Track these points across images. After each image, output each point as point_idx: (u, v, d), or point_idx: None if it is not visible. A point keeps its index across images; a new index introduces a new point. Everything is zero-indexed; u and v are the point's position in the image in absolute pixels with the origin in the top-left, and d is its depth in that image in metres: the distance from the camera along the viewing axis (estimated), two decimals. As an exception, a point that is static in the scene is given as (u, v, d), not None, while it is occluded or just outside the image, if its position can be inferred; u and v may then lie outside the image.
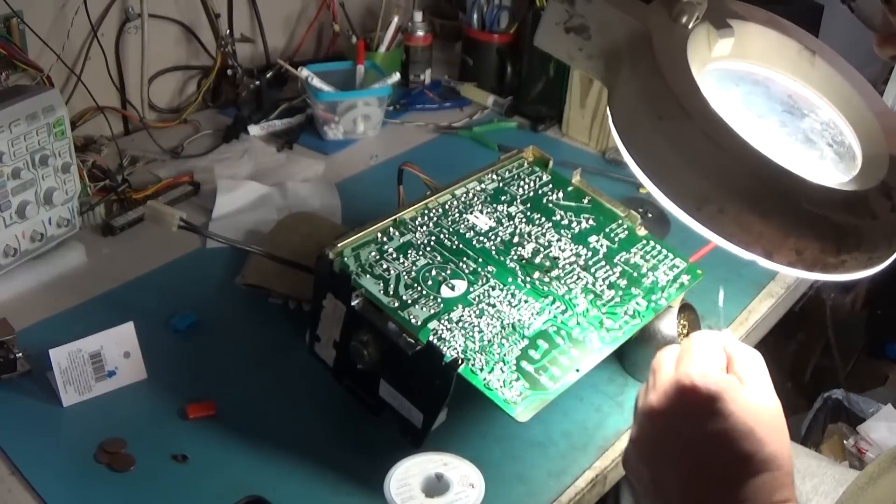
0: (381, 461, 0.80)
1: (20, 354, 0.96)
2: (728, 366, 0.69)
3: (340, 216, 1.30)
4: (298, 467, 0.89)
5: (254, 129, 1.50)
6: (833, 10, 1.60)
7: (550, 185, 1.05)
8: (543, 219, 1.00)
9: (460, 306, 0.87)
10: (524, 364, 0.83)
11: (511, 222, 0.98)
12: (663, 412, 0.67)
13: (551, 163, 1.08)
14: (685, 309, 1.00)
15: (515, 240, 0.96)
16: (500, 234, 0.97)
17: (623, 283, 0.94)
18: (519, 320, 0.87)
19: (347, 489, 0.87)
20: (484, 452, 0.89)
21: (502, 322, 0.86)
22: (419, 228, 0.95)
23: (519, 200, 1.02)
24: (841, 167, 0.73)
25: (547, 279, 0.92)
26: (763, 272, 1.00)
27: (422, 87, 1.70)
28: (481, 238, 0.96)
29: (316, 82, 1.49)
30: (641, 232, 1.00)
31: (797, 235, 0.64)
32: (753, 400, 0.66)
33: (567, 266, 0.94)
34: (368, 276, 0.88)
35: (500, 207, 1.00)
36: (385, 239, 0.93)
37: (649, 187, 0.68)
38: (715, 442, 0.65)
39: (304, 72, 1.49)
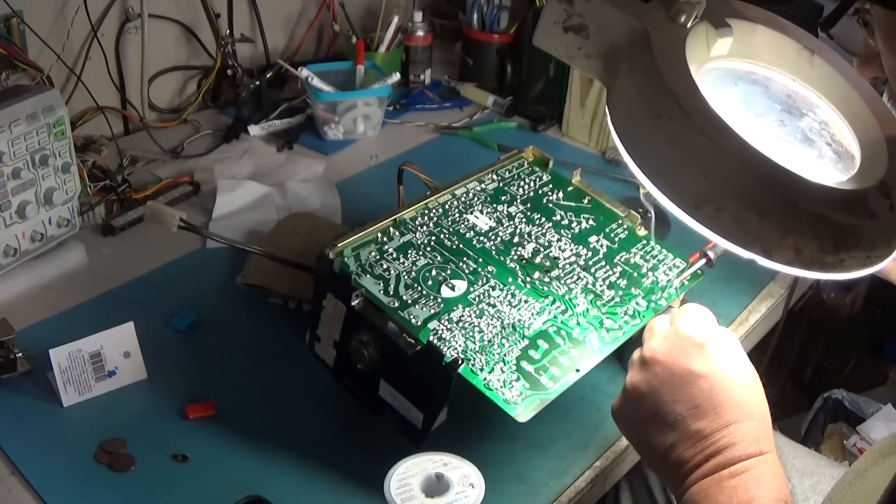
0: (381, 461, 0.80)
1: (20, 354, 0.96)
2: None
3: (340, 216, 1.30)
4: (298, 467, 0.89)
5: (254, 129, 1.50)
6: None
7: (550, 185, 1.05)
8: (543, 219, 1.00)
9: (460, 306, 0.87)
10: (524, 364, 0.83)
11: (511, 222, 0.99)
12: (662, 354, 0.72)
13: (551, 163, 1.08)
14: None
15: (515, 240, 0.96)
16: (501, 234, 0.97)
17: (623, 283, 0.94)
18: (519, 320, 0.87)
19: (347, 489, 0.87)
20: (484, 452, 0.89)
21: (502, 322, 0.86)
22: (419, 228, 0.95)
23: (519, 200, 1.02)
24: (839, 166, 0.74)
25: (547, 279, 0.92)
26: (763, 272, 1.00)
27: (422, 87, 1.70)
28: (481, 238, 0.96)
29: (316, 82, 1.49)
30: (641, 232, 1.00)
31: (795, 234, 0.64)
32: (738, 359, 0.73)
33: (567, 266, 0.94)
34: (368, 276, 0.88)
35: (500, 207, 1.00)
36: (385, 239, 0.93)
37: (648, 186, 0.68)
38: (707, 382, 0.70)
39: (304, 72, 1.49)
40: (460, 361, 0.80)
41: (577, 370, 0.84)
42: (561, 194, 1.04)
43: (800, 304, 1.33)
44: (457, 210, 0.99)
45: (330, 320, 0.89)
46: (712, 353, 0.71)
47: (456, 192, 1.01)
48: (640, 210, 1.03)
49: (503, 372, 0.82)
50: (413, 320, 0.84)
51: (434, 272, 0.90)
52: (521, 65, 1.62)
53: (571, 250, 0.96)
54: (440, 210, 0.98)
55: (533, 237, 0.97)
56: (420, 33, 1.69)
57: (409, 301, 0.86)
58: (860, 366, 1.85)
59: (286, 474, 0.88)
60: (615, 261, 0.96)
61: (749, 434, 0.69)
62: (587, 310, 0.90)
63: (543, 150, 1.10)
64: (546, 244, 0.96)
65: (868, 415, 1.55)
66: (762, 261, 0.66)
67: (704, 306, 0.76)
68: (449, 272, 0.90)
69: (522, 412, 0.79)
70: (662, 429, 0.72)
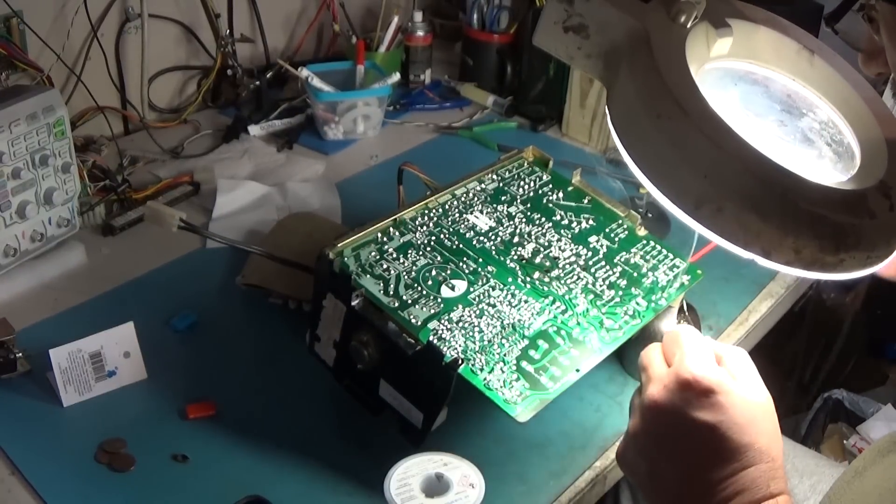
0: (381, 461, 0.80)
1: (20, 354, 0.96)
2: (718, 362, 0.71)
3: (340, 216, 1.30)
4: (298, 467, 0.89)
5: (254, 129, 1.50)
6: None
7: (550, 185, 1.05)
8: (543, 219, 1.00)
9: (460, 306, 0.87)
10: (524, 364, 0.83)
11: (511, 222, 0.99)
12: (663, 405, 0.68)
13: (551, 163, 1.08)
14: (685, 309, 1.00)
15: (515, 240, 0.96)
16: (500, 234, 0.97)
17: (623, 283, 0.94)
18: (519, 320, 0.87)
19: (347, 489, 0.87)
20: (484, 452, 0.89)
21: (502, 322, 0.86)
22: (419, 228, 0.95)
23: (519, 200, 1.02)
24: (839, 166, 0.73)
25: (547, 279, 0.92)
26: (763, 272, 1.00)
27: (422, 87, 1.70)
28: (481, 238, 0.96)
29: (316, 82, 1.49)
30: (641, 232, 1.00)
31: (795, 234, 0.64)
32: (747, 394, 0.68)
33: (567, 266, 0.94)
34: (368, 276, 0.88)
35: (500, 207, 1.00)
36: (385, 239, 0.93)
37: (648, 186, 0.68)
38: (714, 433, 0.67)
39: (304, 72, 1.49)
40: (460, 361, 0.80)
41: (577, 370, 0.84)
42: (561, 194, 1.04)
43: (800, 304, 1.32)
44: (457, 210, 0.99)
45: (330, 320, 0.89)
46: (719, 400, 0.67)
47: (456, 192, 1.01)
48: (641, 210, 1.03)
49: (503, 372, 0.82)
50: (413, 320, 0.84)
51: (434, 272, 0.90)
52: (521, 65, 1.62)
53: (571, 250, 0.96)
54: (440, 210, 0.98)
55: (533, 237, 0.97)
56: (420, 33, 1.69)
57: (409, 301, 0.86)
58: (860, 366, 1.85)
59: (286, 474, 0.88)
60: (615, 261, 0.96)
61: (759, 479, 0.66)
62: (587, 310, 0.90)
63: (543, 150, 1.10)
64: (546, 244, 0.96)
65: (868, 415, 1.55)
66: (762, 261, 0.66)
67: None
68: (449, 272, 0.90)
69: (522, 412, 0.79)
70: (668, 479, 0.69)
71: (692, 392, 0.67)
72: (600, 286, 0.93)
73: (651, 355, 0.73)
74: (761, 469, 0.67)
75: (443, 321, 0.85)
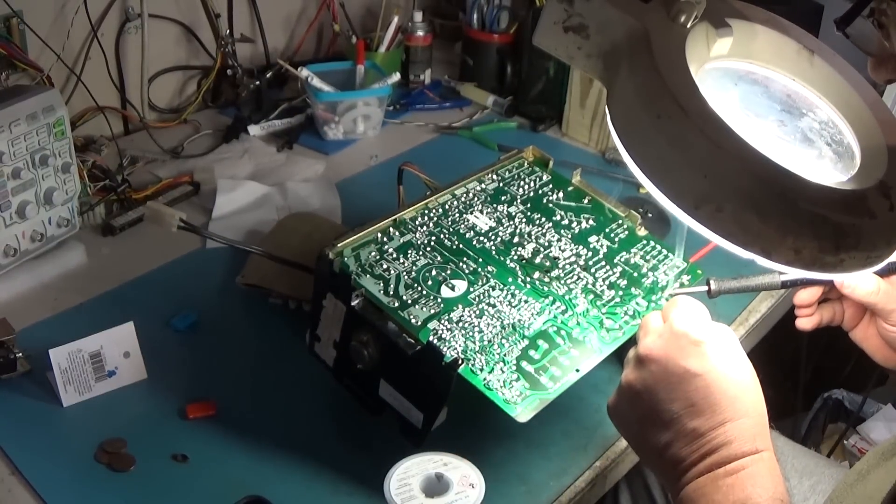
0: (381, 461, 0.80)
1: (20, 354, 0.96)
2: None
3: (340, 216, 1.30)
4: (298, 467, 0.89)
5: (254, 129, 1.50)
6: (833, 10, 1.60)
7: (550, 185, 1.05)
8: (543, 219, 1.00)
9: (460, 306, 0.87)
10: (524, 364, 0.83)
11: (511, 222, 0.99)
12: (656, 353, 0.72)
13: (551, 163, 1.08)
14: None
15: (515, 240, 0.96)
16: (501, 234, 0.97)
17: (623, 283, 0.94)
18: (519, 320, 0.87)
19: (347, 489, 0.87)
20: (484, 452, 0.89)
21: (502, 322, 0.86)
22: (419, 228, 0.95)
23: (519, 200, 1.02)
24: (839, 166, 0.73)
25: (547, 279, 0.92)
26: (763, 272, 1.00)
27: (422, 87, 1.70)
28: (481, 238, 0.96)
29: (316, 82, 1.49)
30: (641, 232, 1.00)
31: (795, 234, 0.64)
32: (734, 355, 0.72)
33: (567, 266, 0.94)
34: (368, 276, 0.88)
35: (500, 207, 1.00)
36: (385, 239, 0.93)
37: (648, 186, 0.68)
38: (702, 381, 0.70)
39: (304, 72, 1.49)
40: (460, 361, 0.80)
41: (577, 370, 0.84)
42: (561, 194, 1.04)
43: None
44: (457, 210, 0.99)
45: (330, 320, 0.89)
46: (708, 350, 0.70)
47: (456, 192, 1.01)
48: (641, 210, 1.03)
49: (503, 372, 0.82)
50: (413, 320, 0.84)
51: (434, 272, 0.90)
52: (521, 65, 1.62)
53: (571, 250, 0.96)
54: (440, 210, 0.98)
55: (533, 237, 0.97)
56: (420, 33, 1.69)
57: (409, 301, 0.86)
58: (860, 366, 1.85)
59: (286, 474, 0.88)
60: (615, 261, 0.96)
61: (745, 432, 0.69)
62: (587, 310, 0.90)
63: (543, 150, 1.10)
64: (546, 244, 0.96)
65: (868, 415, 1.55)
66: (762, 261, 0.66)
67: (701, 303, 0.76)
68: (449, 272, 0.90)
69: (522, 412, 0.79)
70: (658, 427, 0.71)
71: (684, 341, 0.71)
72: (600, 286, 0.93)
73: (650, 316, 0.77)
74: (747, 424, 0.69)
75: (443, 321, 0.85)
